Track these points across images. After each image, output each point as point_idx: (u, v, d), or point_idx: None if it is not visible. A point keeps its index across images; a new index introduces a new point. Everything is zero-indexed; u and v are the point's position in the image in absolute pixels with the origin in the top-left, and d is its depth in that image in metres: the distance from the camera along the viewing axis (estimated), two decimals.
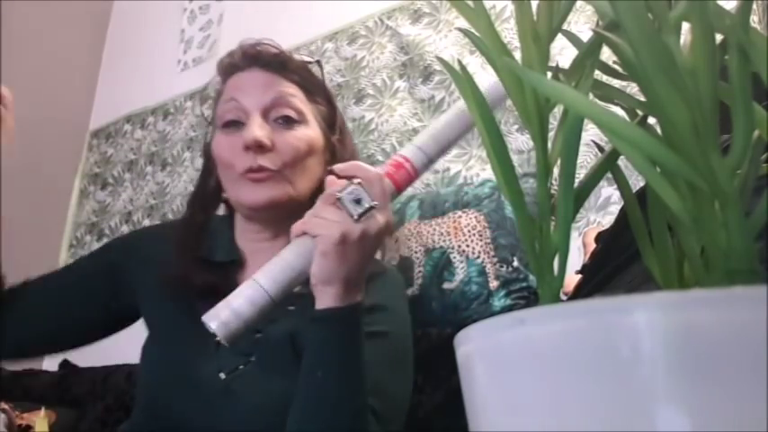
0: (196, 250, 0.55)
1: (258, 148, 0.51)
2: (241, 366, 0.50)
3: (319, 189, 0.55)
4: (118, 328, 0.60)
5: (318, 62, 0.60)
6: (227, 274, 0.54)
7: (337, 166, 0.41)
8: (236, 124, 0.54)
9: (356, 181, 0.39)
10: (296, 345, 0.50)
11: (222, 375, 0.50)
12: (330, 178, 0.41)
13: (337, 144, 0.58)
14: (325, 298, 0.40)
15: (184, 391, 0.50)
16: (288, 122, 0.54)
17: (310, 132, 0.55)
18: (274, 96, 0.54)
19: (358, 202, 0.38)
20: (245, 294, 0.37)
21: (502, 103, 0.39)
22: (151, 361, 0.54)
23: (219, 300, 0.54)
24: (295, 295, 0.51)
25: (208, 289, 0.52)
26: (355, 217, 0.38)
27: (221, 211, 0.60)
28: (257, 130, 0.51)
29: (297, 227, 0.40)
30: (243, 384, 0.50)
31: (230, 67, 0.57)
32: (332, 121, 0.59)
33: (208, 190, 0.59)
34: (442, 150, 0.41)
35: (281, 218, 0.54)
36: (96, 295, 0.58)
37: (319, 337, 0.42)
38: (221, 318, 0.36)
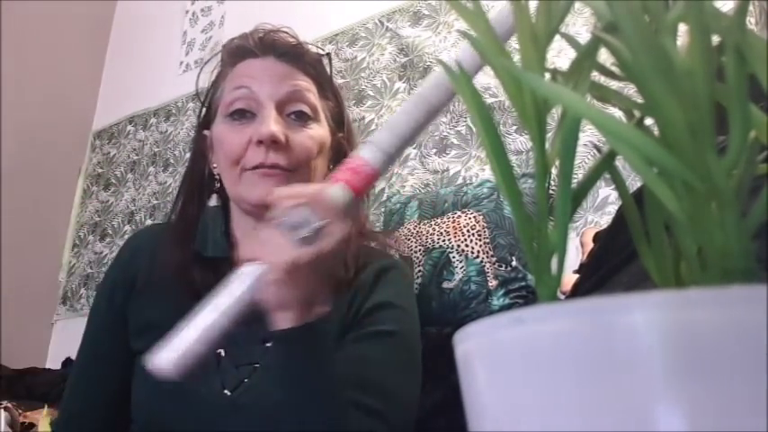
0: (191, 244, 0.51)
1: (272, 143, 0.47)
2: (246, 380, 0.47)
3: None
4: None
5: (328, 55, 0.57)
6: (221, 272, 0.49)
7: (278, 192, 0.37)
8: (244, 114, 0.50)
9: (301, 202, 0.36)
10: None
11: (227, 392, 0.47)
12: (277, 193, 0.37)
13: (344, 142, 0.55)
14: (282, 322, 0.38)
15: (186, 412, 0.46)
16: (302, 119, 0.51)
17: (322, 131, 0.52)
18: (290, 90, 0.50)
19: (302, 226, 0.35)
20: (198, 326, 0.34)
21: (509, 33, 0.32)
22: (147, 384, 0.48)
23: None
24: None
25: (203, 288, 0.48)
26: (300, 243, 0.35)
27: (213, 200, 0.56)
28: (273, 124, 0.47)
29: (247, 252, 0.37)
30: (252, 396, 0.46)
31: (242, 50, 0.53)
32: (339, 119, 0.56)
33: (200, 179, 0.54)
34: (404, 143, 0.37)
35: None
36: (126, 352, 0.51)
37: (279, 358, 0.40)
38: (171, 358, 0.34)
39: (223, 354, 0.49)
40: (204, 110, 0.56)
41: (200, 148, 0.55)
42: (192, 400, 0.47)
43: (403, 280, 0.54)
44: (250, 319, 0.49)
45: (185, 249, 0.51)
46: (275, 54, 0.52)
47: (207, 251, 0.51)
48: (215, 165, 0.53)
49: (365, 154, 0.37)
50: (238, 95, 0.50)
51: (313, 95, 0.52)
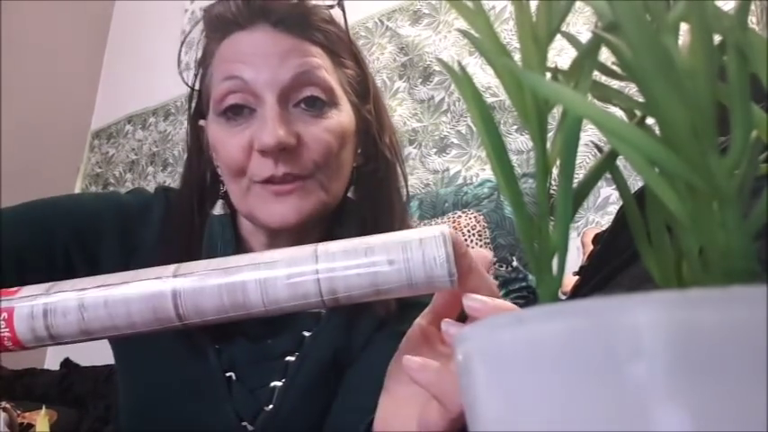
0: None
1: (280, 151, 0.37)
2: (266, 407, 0.39)
3: (350, 184, 0.43)
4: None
5: (340, 3, 0.42)
6: None
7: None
8: (241, 111, 0.38)
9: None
10: (339, 360, 0.41)
11: (247, 425, 0.39)
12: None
13: (369, 117, 0.43)
14: None
15: None
16: (315, 106, 0.39)
17: (343, 118, 0.40)
18: (296, 72, 0.38)
19: None
20: None
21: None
22: (143, 410, 0.40)
23: (222, 327, 0.39)
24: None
25: None
26: None
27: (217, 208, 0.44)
28: (277, 128, 0.36)
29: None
30: (275, 426, 0.39)
31: (223, 22, 0.40)
32: (363, 88, 0.44)
33: (201, 183, 0.44)
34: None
35: (308, 227, 0.41)
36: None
37: None
38: None
39: (234, 377, 0.40)
40: (195, 95, 0.44)
41: (198, 142, 0.44)
42: None
43: None
44: (262, 335, 0.41)
45: None
46: (269, 22, 0.39)
47: None
48: (218, 164, 0.42)
49: (19, 326, 0.24)
50: (229, 88, 0.38)
51: (326, 71, 0.40)
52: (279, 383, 0.40)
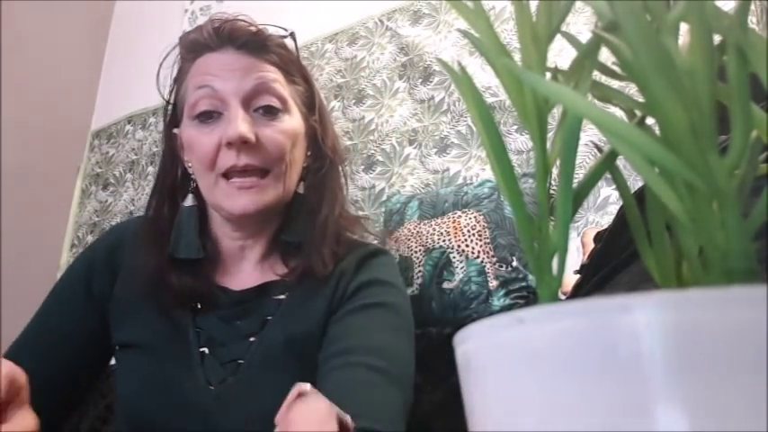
0: (166, 247, 0.49)
1: (243, 144, 0.46)
2: (230, 378, 0.47)
3: (302, 180, 0.52)
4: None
5: (292, 34, 0.54)
6: (201, 272, 0.50)
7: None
8: (211, 115, 0.48)
9: None
10: (293, 347, 0.47)
11: (211, 387, 0.46)
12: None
13: (317, 126, 0.53)
14: None
15: (172, 408, 0.46)
16: (270, 112, 0.48)
17: (294, 122, 0.50)
18: (255, 83, 0.48)
19: None
20: None
21: None
22: (132, 378, 0.49)
23: (196, 303, 0.50)
24: (284, 286, 0.49)
25: (184, 291, 0.48)
26: None
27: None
28: (240, 123, 0.45)
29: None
30: (235, 394, 0.46)
31: (197, 45, 0.51)
32: (310, 101, 0.54)
33: (173, 180, 0.53)
34: None
35: (266, 218, 0.51)
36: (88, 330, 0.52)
37: None
38: None
39: (207, 351, 0.48)
40: (170, 107, 0.54)
41: (172, 147, 0.53)
42: (178, 397, 0.46)
43: (388, 262, 0.53)
44: (232, 317, 0.49)
45: (160, 253, 0.49)
46: (234, 46, 0.49)
47: (179, 253, 0.50)
48: (189, 164, 0.51)
49: None
50: (201, 95, 0.48)
51: (280, 85, 0.50)
52: (242, 361, 0.47)
